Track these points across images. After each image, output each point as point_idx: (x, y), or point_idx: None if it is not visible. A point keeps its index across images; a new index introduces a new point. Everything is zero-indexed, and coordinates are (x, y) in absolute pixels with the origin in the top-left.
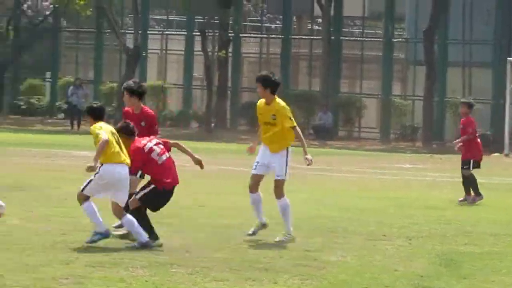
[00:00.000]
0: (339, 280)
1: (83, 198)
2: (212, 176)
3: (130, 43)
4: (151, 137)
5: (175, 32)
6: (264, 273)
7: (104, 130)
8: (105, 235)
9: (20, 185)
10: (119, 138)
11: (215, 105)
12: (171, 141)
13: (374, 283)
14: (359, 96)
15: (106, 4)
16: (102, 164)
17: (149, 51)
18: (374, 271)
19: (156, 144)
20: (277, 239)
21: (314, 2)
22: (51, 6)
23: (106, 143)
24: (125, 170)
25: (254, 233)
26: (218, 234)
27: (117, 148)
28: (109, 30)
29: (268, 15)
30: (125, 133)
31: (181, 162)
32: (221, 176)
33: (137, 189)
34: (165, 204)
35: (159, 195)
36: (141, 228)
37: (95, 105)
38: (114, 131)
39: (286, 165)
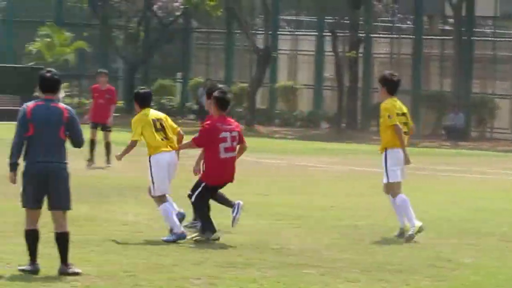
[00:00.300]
0: (472, 282)
1: (159, 200)
2: (343, 177)
3: (260, 44)
4: (236, 127)
5: (305, 33)
6: (396, 274)
7: (143, 122)
8: (181, 236)
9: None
10: (164, 123)
11: (345, 105)
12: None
13: (508, 285)
14: (491, 97)
15: (236, 5)
16: (149, 158)
17: (279, 51)
18: (508, 272)
19: (232, 138)
20: (407, 234)
21: (445, 1)
22: (182, 7)
23: (135, 144)
24: (171, 157)
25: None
26: (349, 235)
27: (159, 137)
28: (239, 31)
29: (399, 15)
30: (218, 103)
31: (310, 162)
32: (352, 177)
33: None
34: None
35: (207, 191)
36: (202, 221)
37: (141, 90)
38: (159, 116)
39: (385, 167)
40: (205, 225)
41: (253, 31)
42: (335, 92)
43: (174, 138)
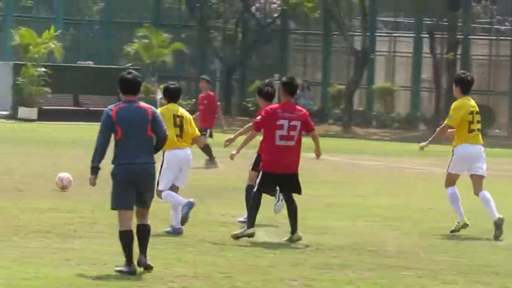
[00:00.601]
0: None
1: (159, 193)
2: (440, 179)
3: (358, 45)
4: (299, 116)
5: (403, 34)
6: (493, 276)
7: (165, 115)
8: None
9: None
10: (182, 121)
11: (443, 107)
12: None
13: None
14: None
15: (334, 6)
16: (163, 153)
17: (376, 53)
18: None
19: (292, 128)
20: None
21: None
22: (280, 8)
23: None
24: (185, 154)
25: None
26: (446, 237)
27: (174, 133)
28: (337, 32)
29: (498, 16)
30: (286, 88)
31: (407, 164)
32: None
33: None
34: (275, 186)
35: (265, 176)
36: (249, 211)
37: (171, 86)
38: (179, 113)
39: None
40: (249, 216)
41: (351, 33)
42: (432, 94)
43: (189, 139)
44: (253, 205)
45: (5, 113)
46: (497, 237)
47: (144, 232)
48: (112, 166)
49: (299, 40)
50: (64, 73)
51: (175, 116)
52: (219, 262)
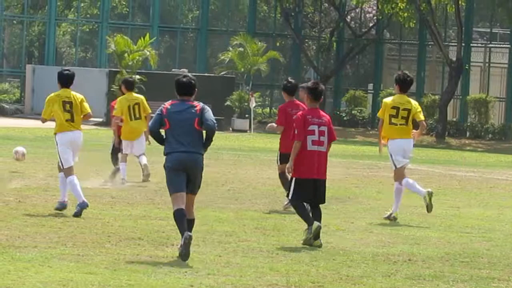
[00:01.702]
0: None
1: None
2: None
3: (453, 56)
4: (326, 122)
5: (498, 45)
6: None
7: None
8: (83, 205)
9: (341, 196)
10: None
11: None
12: None
13: None
14: None
15: (429, 17)
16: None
17: (471, 63)
18: None
19: (321, 132)
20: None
21: None
22: (375, 18)
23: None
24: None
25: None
26: None
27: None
28: (432, 42)
29: None
30: (311, 94)
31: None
32: None
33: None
34: (311, 195)
35: (299, 185)
36: (303, 219)
37: (64, 71)
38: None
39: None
40: (306, 221)
41: (446, 43)
42: None
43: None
44: (300, 213)
45: (99, 120)
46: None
47: (189, 222)
48: (166, 155)
49: (394, 50)
50: (159, 81)
51: (65, 102)
52: (311, 272)
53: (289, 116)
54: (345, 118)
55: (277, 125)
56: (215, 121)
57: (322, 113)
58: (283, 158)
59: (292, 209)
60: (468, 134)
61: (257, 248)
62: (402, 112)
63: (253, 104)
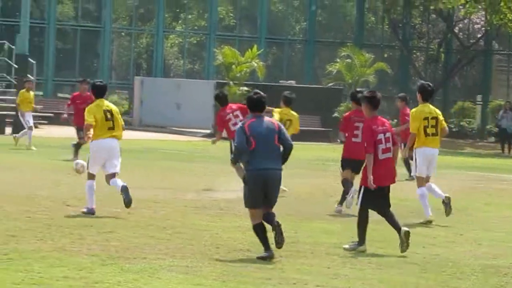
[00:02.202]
0: None
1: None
2: None
3: None
4: (388, 128)
5: None
6: None
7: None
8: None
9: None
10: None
11: None
12: None
13: None
14: None
15: None
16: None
17: None
18: None
19: (387, 140)
20: None
21: None
22: (483, 28)
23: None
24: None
25: None
26: None
27: (107, 126)
28: None
29: None
30: (370, 103)
31: None
32: None
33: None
34: (384, 203)
35: (369, 193)
36: (358, 229)
37: (97, 83)
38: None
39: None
40: (359, 235)
41: None
42: None
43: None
44: (360, 223)
45: (207, 131)
46: None
47: (269, 215)
48: (245, 171)
49: (502, 61)
50: (266, 92)
51: (106, 111)
52: (421, 284)
53: (351, 123)
54: (454, 130)
55: (340, 132)
56: (291, 142)
57: (383, 119)
58: (345, 163)
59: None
60: None
61: (365, 259)
62: (431, 121)
63: None
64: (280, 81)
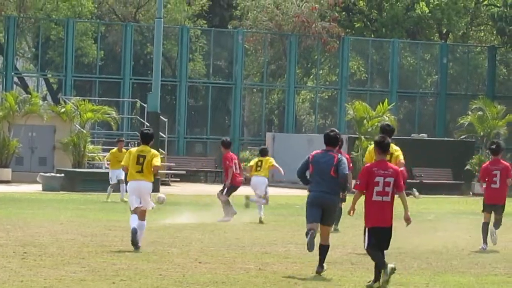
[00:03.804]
0: None
1: None
2: None
3: None
4: (392, 173)
5: None
6: None
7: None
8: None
9: None
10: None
11: None
12: None
13: None
14: None
15: None
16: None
17: None
18: None
19: (386, 183)
20: None
21: None
22: None
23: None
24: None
25: None
26: None
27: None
28: None
29: None
30: (378, 147)
31: None
32: None
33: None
34: (385, 242)
35: (369, 233)
36: (379, 264)
37: (144, 131)
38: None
39: None
40: (381, 265)
41: None
42: None
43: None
44: (377, 259)
45: None
46: None
47: (323, 249)
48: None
49: None
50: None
51: (139, 156)
52: None
53: (489, 172)
54: None
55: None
56: (346, 172)
57: (389, 165)
58: (486, 208)
59: None
60: None
61: None
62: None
63: None
64: (412, 135)
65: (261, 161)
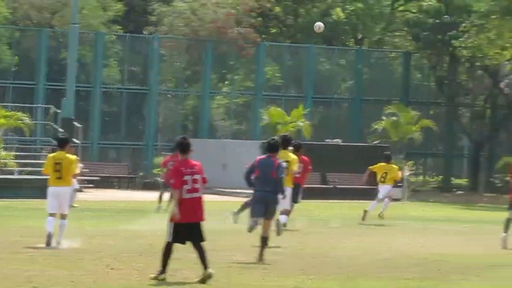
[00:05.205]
0: None
1: None
2: None
3: None
4: (198, 170)
5: None
6: None
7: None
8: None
9: (496, 263)
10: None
11: None
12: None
13: None
14: None
15: None
16: None
17: None
18: None
19: (194, 181)
20: None
21: None
22: None
23: None
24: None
25: None
26: None
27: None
28: None
29: None
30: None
31: None
32: None
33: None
34: (186, 238)
35: (174, 228)
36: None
37: (60, 136)
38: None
39: None
40: (162, 263)
41: None
42: None
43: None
44: (165, 256)
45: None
46: None
47: (263, 241)
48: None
49: None
50: (313, 151)
51: (56, 163)
52: None
53: None
54: (499, 185)
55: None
56: (282, 176)
57: (193, 162)
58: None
59: None
60: None
61: None
62: None
63: (406, 173)
64: (326, 140)
65: None
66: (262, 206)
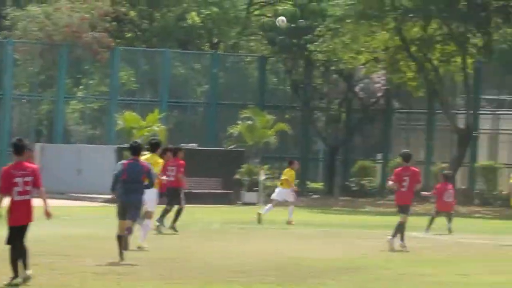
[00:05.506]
0: None
1: None
2: None
3: (461, 124)
4: (31, 172)
5: (507, 112)
6: None
7: None
8: None
9: (352, 266)
10: None
11: None
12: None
13: None
14: None
15: (438, 85)
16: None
17: (480, 131)
18: None
19: (26, 183)
20: None
21: None
22: (383, 88)
23: None
24: None
25: None
26: None
27: None
28: (440, 111)
29: None
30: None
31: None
32: None
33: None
34: (15, 240)
35: (9, 230)
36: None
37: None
38: None
39: None
40: (11, 268)
41: (454, 111)
42: None
43: None
44: (10, 257)
45: (108, 196)
46: None
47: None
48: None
49: (403, 119)
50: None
51: None
52: None
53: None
54: (354, 189)
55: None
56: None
57: (27, 165)
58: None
59: None
60: (476, 201)
61: None
62: None
63: (262, 176)
64: (182, 144)
65: None
66: (125, 210)
